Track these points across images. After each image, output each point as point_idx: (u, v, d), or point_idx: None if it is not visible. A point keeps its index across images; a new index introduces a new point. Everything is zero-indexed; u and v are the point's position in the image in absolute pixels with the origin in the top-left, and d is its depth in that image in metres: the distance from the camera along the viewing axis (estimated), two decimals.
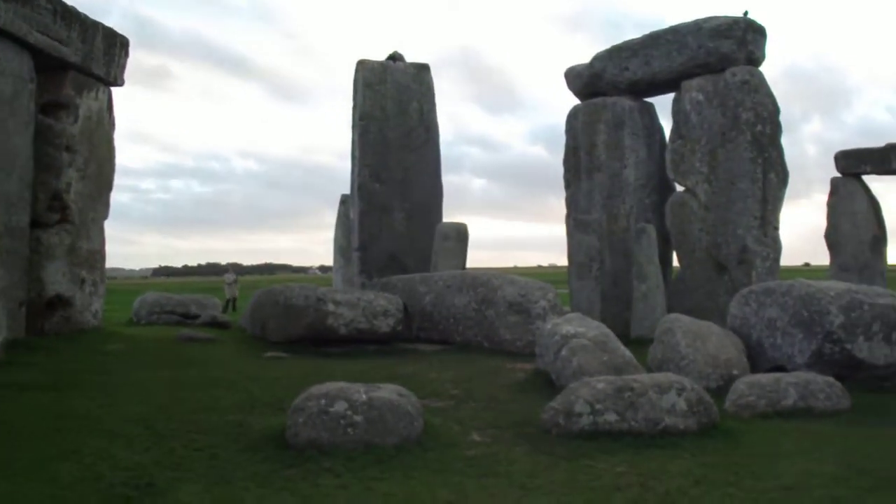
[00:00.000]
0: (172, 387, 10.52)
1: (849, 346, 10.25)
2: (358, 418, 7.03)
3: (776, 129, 16.14)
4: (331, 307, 14.45)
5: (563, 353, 9.73)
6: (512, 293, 14.12)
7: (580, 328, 10.18)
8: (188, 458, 6.90)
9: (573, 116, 19.16)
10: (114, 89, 16.22)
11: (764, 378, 8.93)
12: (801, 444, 7.24)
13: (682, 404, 7.41)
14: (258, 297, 16.67)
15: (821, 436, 7.58)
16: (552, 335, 10.27)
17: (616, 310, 17.76)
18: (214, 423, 8.26)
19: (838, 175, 22.82)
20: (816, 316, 10.28)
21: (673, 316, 10.85)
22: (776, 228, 16.06)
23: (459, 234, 17.96)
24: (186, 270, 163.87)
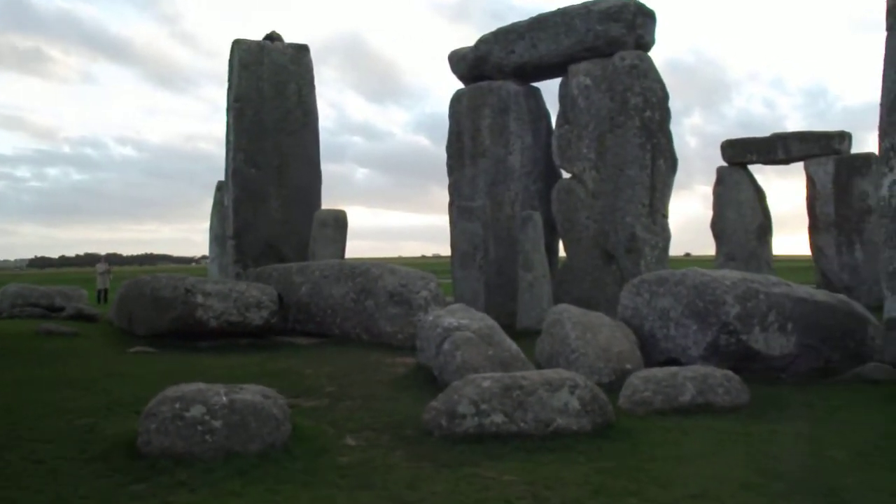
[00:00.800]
0: (21, 387, 9.53)
1: (745, 338, 9.82)
2: (217, 424, 6.17)
3: (665, 115, 15.73)
4: (199, 299, 13.41)
5: (446, 346, 8.96)
6: (392, 283, 13.30)
7: (463, 320, 9.43)
8: (24, 473, 5.96)
9: (457, 100, 18.42)
10: None
11: (659, 372, 8.34)
12: (705, 444, 6.64)
13: (574, 403, 6.72)
14: (125, 288, 15.46)
15: (724, 434, 7.00)
16: (434, 327, 9.49)
17: (501, 300, 17.13)
18: (61, 429, 7.34)
19: (724, 164, 22.77)
20: (712, 306, 9.79)
21: (562, 307, 10.20)
22: (665, 216, 15.67)
23: (338, 222, 17.05)
24: (63, 261, 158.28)
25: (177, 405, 6.18)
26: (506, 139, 17.47)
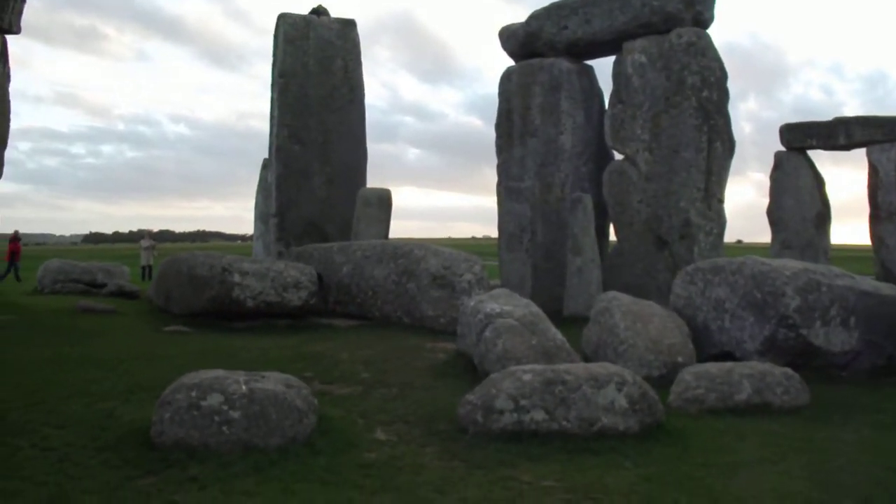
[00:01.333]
0: (49, 366, 9.31)
1: (805, 332, 9.22)
2: (235, 414, 5.79)
3: (723, 95, 15.05)
4: (237, 278, 13.11)
5: (487, 334, 8.50)
6: (435, 265, 12.87)
7: (506, 306, 8.96)
8: (32, 461, 5.63)
9: (507, 78, 17.86)
10: (14, 39, 14.51)
11: (714, 368, 7.81)
12: (762, 451, 6.12)
13: (622, 401, 6.23)
14: (163, 266, 15.24)
15: (783, 439, 6.47)
16: (475, 313, 9.04)
17: (548, 284, 16.62)
18: (79, 414, 7.04)
19: (783, 149, 21.95)
20: (770, 298, 9.20)
21: (611, 294, 9.68)
22: (721, 201, 15.02)
23: (382, 201, 16.64)
24: (117, 237, 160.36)
25: (193, 393, 5.82)
26: (556, 118, 16.89)
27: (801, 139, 21.52)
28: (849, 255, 29.89)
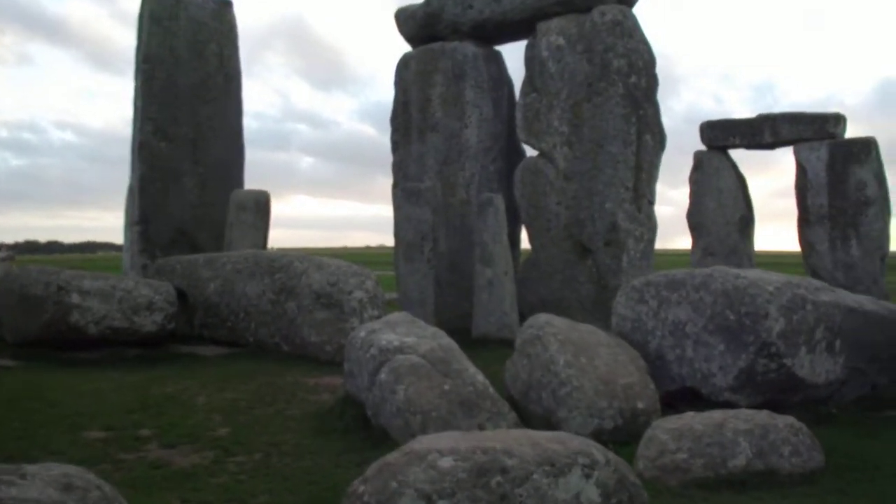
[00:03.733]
0: None
1: (788, 362, 7.26)
2: None
3: (652, 81, 13.13)
4: (75, 299, 10.58)
5: (383, 376, 6.21)
6: (319, 281, 10.52)
7: (408, 337, 6.68)
8: None
9: (404, 66, 15.61)
10: None
11: (696, 422, 5.68)
12: None
13: (592, 494, 4.01)
14: None
15: None
16: (366, 347, 6.74)
17: (453, 300, 14.45)
18: None
19: (702, 148, 20.24)
20: (748, 320, 7.17)
21: (542, 318, 7.47)
22: (651, 203, 13.07)
23: (258, 205, 14.19)
24: None
25: None
26: (461, 110, 14.72)
27: (723, 137, 19.81)
28: (774, 262, 28.52)
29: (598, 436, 6.23)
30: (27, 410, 7.32)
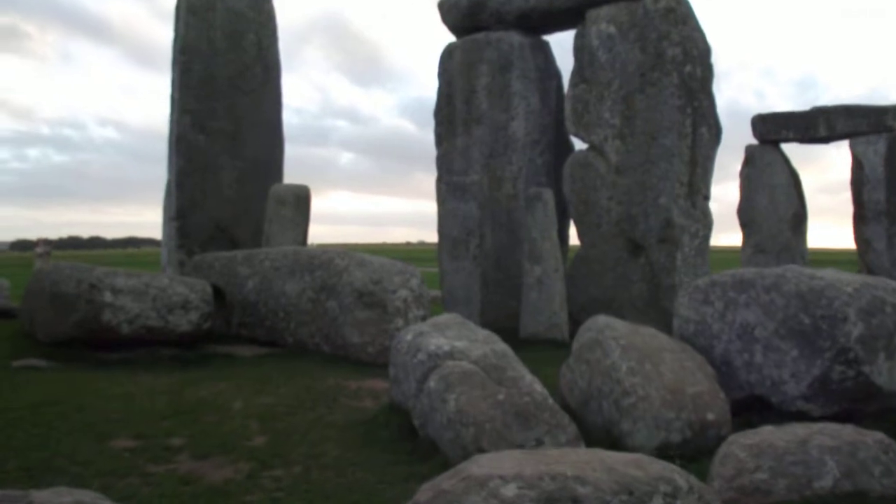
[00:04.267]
0: None
1: (867, 370, 6.68)
2: None
3: (708, 72, 12.58)
4: (108, 297, 10.22)
5: (432, 384, 5.76)
6: (361, 279, 10.10)
7: (458, 341, 6.23)
8: None
9: (448, 56, 15.15)
10: None
11: (776, 437, 5.17)
12: None
13: None
14: (30, 282, 12.19)
15: None
16: (413, 351, 6.29)
17: (499, 298, 13.98)
18: None
19: (754, 142, 19.60)
20: (824, 324, 6.62)
21: (601, 320, 6.97)
22: (706, 198, 12.51)
23: (298, 200, 13.80)
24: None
25: None
26: (507, 102, 14.23)
27: (775, 131, 19.18)
28: (826, 260, 27.69)
29: (665, 450, 5.75)
30: (54, 415, 6.96)
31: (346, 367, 9.40)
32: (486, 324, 12.75)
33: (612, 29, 12.91)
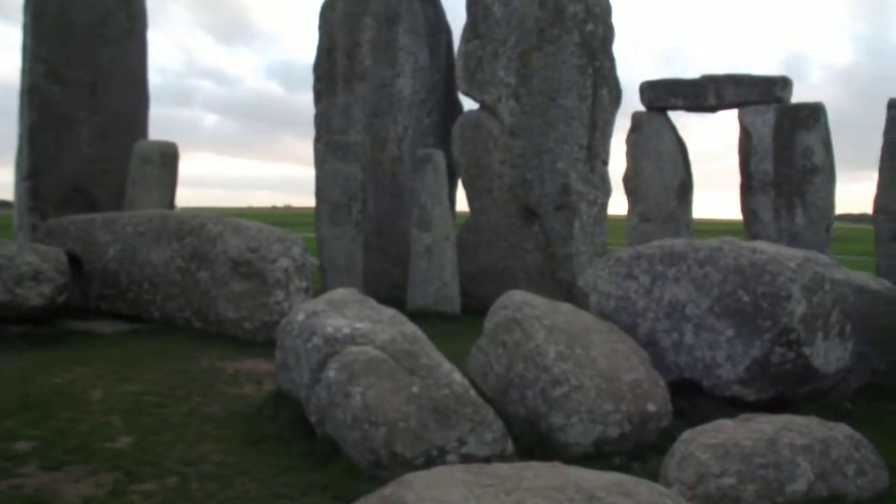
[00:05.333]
0: None
1: (807, 351, 6.12)
2: None
3: (609, 31, 11.90)
4: None
5: (332, 374, 4.82)
6: (237, 246, 9.00)
7: (360, 322, 5.29)
8: None
9: (329, 7, 14.00)
10: None
11: (740, 434, 4.46)
12: None
13: None
14: None
15: None
16: (307, 334, 5.32)
17: (380, 267, 13.09)
18: None
19: (642, 109, 19.12)
20: (766, 301, 6.00)
21: (518, 297, 6.11)
22: (605, 163, 11.89)
23: (165, 158, 12.50)
24: None
25: None
26: (393, 57, 13.26)
27: (664, 98, 18.70)
28: (711, 230, 27.70)
29: (602, 445, 5.01)
30: None
31: (220, 346, 8.34)
32: (368, 294, 11.85)
33: None
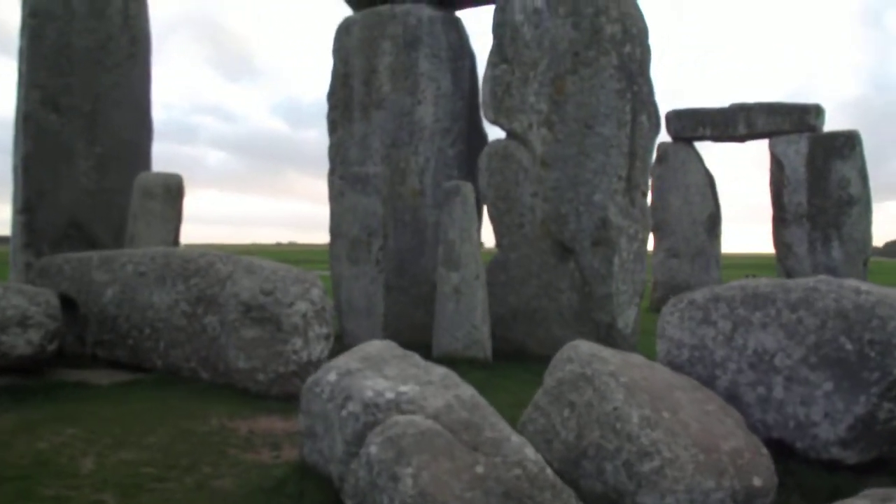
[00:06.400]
0: None
1: None
2: None
3: (647, 53, 11.09)
4: None
5: (374, 450, 3.91)
6: (249, 288, 8.11)
7: (405, 384, 4.38)
8: None
9: (345, 31, 13.21)
10: None
11: None
12: None
13: None
14: None
15: None
16: (339, 397, 4.42)
17: (400, 309, 12.19)
18: None
19: (668, 140, 18.37)
20: (874, 350, 5.09)
21: (584, 348, 5.21)
22: (645, 195, 11.02)
23: (170, 191, 11.65)
24: None
25: None
26: (413, 84, 12.43)
27: (691, 128, 18.00)
28: (742, 264, 26.81)
29: None
30: None
31: (230, 400, 7.43)
32: (389, 339, 10.96)
33: (538, 2, 11.24)
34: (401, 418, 4.00)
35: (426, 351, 10.14)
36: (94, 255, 9.94)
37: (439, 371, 4.65)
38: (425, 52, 12.43)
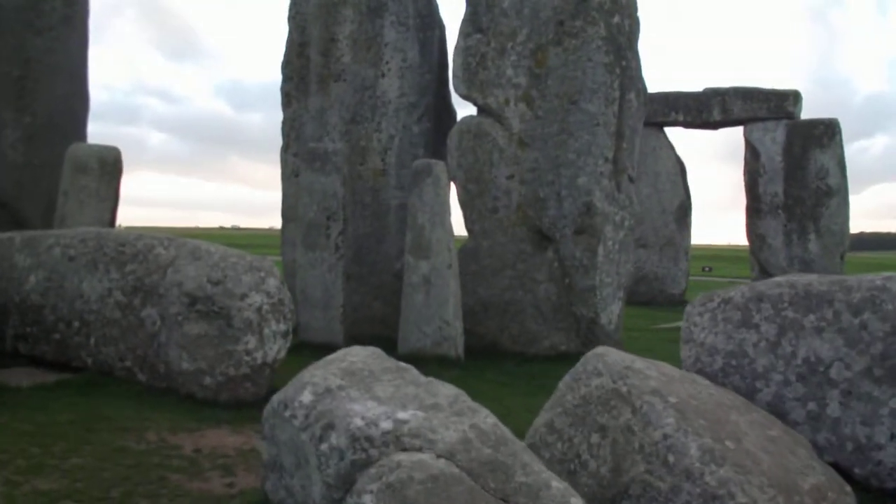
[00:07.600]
0: None
1: None
2: None
3: (635, 25, 10.22)
4: None
5: (369, 501, 2.92)
6: (195, 277, 7.03)
7: (405, 410, 3.38)
8: None
9: None
10: None
11: None
12: None
13: None
14: None
15: None
16: (318, 428, 3.40)
17: (359, 300, 11.19)
18: None
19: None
20: None
21: (612, 358, 4.24)
22: (632, 179, 10.14)
23: (105, 165, 10.45)
24: None
25: None
26: (377, 54, 11.39)
27: (662, 113, 17.17)
28: (713, 255, 26.12)
29: None
30: None
31: (172, 408, 6.38)
32: (347, 332, 9.98)
33: None
34: (404, 458, 2.99)
35: (390, 347, 9.16)
36: (17, 236, 8.75)
37: (447, 391, 3.62)
38: (391, 20, 11.39)
